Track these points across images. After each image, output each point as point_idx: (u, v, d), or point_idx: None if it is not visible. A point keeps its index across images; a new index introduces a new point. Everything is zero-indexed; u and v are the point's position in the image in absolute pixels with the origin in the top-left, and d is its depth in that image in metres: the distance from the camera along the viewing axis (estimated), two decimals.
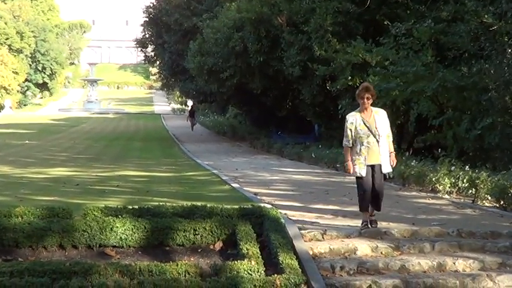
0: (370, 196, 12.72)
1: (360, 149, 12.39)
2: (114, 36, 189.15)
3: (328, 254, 12.20)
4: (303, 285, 10.43)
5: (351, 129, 12.48)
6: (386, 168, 12.67)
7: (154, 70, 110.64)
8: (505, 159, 22.93)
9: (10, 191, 19.59)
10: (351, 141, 12.54)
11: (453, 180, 20.04)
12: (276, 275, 10.51)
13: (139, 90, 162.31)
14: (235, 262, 10.86)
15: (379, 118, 12.55)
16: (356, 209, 16.32)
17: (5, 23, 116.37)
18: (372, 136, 12.30)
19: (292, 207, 16.14)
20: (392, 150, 12.84)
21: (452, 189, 19.86)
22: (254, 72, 40.41)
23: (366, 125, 12.34)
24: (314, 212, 15.68)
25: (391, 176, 13.66)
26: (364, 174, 12.41)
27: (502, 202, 17.64)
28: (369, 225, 13.01)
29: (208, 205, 13.50)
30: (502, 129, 23.62)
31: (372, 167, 12.43)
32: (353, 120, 12.52)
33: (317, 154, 33.31)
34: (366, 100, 12.43)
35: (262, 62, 38.92)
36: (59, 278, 10.16)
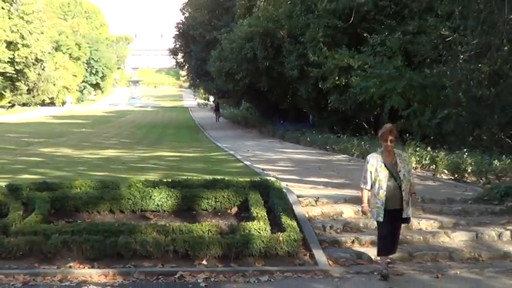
0: (391, 241, 9.72)
1: (379, 193, 9.34)
2: (152, 46, 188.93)
3: (320, 216, 12.23)
4: (300, 241, 10.48)
5: (371, 172, 9.44)
6: (407, 213, 9.52)
7: (183, 73, 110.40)
8: (458, 142, 22.93)
9: (71, 167, 19.65)
10: (369, 184, 9.45)
11: (418, 158, 20.05)
12: (279, 233, 10.56)
13: (172, 88, 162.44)
14: (248, 223, 10.92)
15: (402, 161, 9.54)
16: (342, 180, 16.37)
17: (66, 37, 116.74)
18: (393, 180, 9.33)
19: (292, 179, 16.12)
20: (414, 191, 9.76)
21: (417, 165, 19.85)
22: (262, 74, 40.30)
23: (387, 168, 9.36)
24: (309, 183, 15.68)
25: (409, 221, 10.02)
26: (381, 220, 9.37)
27: (456, 175, 17.72)
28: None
29: (226, 178, 13.51)
30: (456, 118, 23.69)
31: (391, 211, 9.36)
32: (374, 162, 9.48)
33: (311, 138, 33.25)
34: (389, 143, 9.43)
35: (268, 66, 38.84)
36: (110, 235, 10.25)
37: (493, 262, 10.39)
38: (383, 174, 9.35)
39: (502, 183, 14.91)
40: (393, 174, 9.35)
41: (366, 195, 9.57)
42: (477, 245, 11.11)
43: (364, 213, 9.84)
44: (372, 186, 9.47)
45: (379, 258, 9.95)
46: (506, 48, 22.24)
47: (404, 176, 9.40)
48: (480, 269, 10.00)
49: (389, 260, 9.91)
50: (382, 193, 9.31)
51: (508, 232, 11.55)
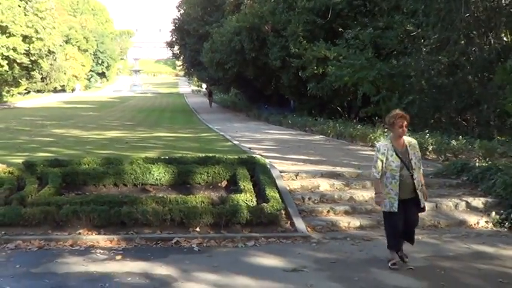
0: (400, 234, 8.19)
1: (391, 182, 7.90)
2: (151, 40, 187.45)
3: (299, 189, 12.26)
4: (282, 211, 10.52)
5: (382, 160, 7.96)
6: (423, 202, 8.11)
7: (179, 63, 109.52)
8: (421, 124, 22.97)
9: (80, 147, 19.57)
10: (380, 173, 7.99)
11: (386, 138, 20.05)
12: (264, 203, 10.61)
13: (169, 77, 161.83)
14: (236, 195, 10.95)
15: (412, 148, 8.08)
16: (319, 157, 16.39)
17: (76, 31, 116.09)
18: (406, 169, 7.88)
19: (275, 157, 16.13)
20: (423, 182, 8.23)
21: None
22: (248, 64, 40.18)
23: (399, 157, 7.91)
24: (290, 160, 15.70)
25: (425, 210, 8.34)
26: (396, 210, 7.87)
27: None
28: (401, 260, 8.25)
29: (217, 156, 13.54)
30: (419, 104, 23.78)
31: (404, 201, 7.93)
32: (385, 150, 8.00)
33: (292, 121, 33.27)
34: (404, 128, 7.95)
35: (254, 57, 38.73)
36: (114, 206, 10.26)
37: (450, 229, 10.49)
38: (395, 164, 7.88)
39: (458, 160, 15.00)
40: (405, 163, 7.90)
41: (379, 184, 8.07)
42: (436, 214, 11.20)
43: (378, 203, 8.20)
44: (382, 176, 8.00)
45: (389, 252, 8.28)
46: (462, 42, 22.40)
47: (415, 164, 7.98)
48: (439, 234, 10.08)
49: (404, 258, 8.25)
50: (395, 183, 7.86)
51: (464, 203, 11.65)
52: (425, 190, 8.26)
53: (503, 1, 21.03)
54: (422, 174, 8.22)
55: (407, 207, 7.94)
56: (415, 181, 7.91)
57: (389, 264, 8.05)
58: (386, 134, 17.47)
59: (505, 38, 20.87)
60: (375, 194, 8.25)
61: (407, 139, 8.16)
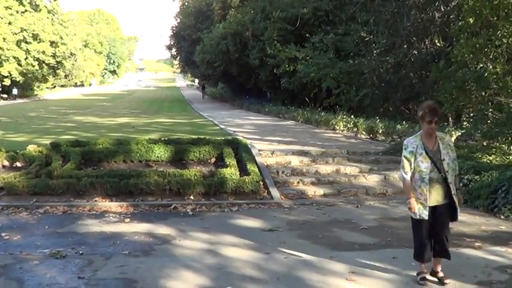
0: (429, 244, 5.57)
1: (420, 186, 5.45)
2: (153, 43, 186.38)
3: (275, 164, 12.22)
4: (261, 182, 10.47)
5: (409, 160, 5.50)
6: (458, 210, 5.51)
7: (176, 62, 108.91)
8: (372, 112, 23.06)
9: (95, 130, 19.40)
10: (409, 174, 5.50)
11: (344, 123, 20.11)
12: (245, 176, 10.56)
13: (168, 73, 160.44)
14: (223, 169, 10.88)
15: (445, 147, 5.51)
16: (290, 139, 16.35)
17: (92, 37, 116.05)
18: (437, 171, 5.41)
19: (254, 138, 16.05)
20: (459, 186, 5.69)
21: (344, 128, 19.92)
22: (233, 63, 39.94)
23: (429, 156, 5.43)
24: (267, 141, 15.64)
25: (457, 219, 5.57)
26: (426, 217, 5.43)
27: (371, 135, 17.86)
28: (439, 281, 5.55)
29: (207, 137, 13.44)
30: (371, 96, 23.90)
31: (434, 208, 5.46)
32: (413, 148, 5.51)
33: (268, 109, 33.16)
34: (434, 125, 5.41)
35: (237, 57, 38.50)
36: (123, 178, 10.18)
37: (396, 196, 10.50)
38: (424, 165, 5.44)
39: (403, 141, 15.02)
40: (436, 164, 5.44)
41: (409, 188, 5.56)
42: (385, 184, 11.24)
43: (411, 209, 5.52)
44: (411, 178, 5.54)
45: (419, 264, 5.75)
46: (405, 46, 22.50)
47: (448, 165, 5.46)
48: (387, 200, 10.13)
49: (435, 266, 5.69)
50: (425, 186, 5.43)
51: None
52: (461, 196, 5.71)
53: (436, 14, 21.18)
54: (457, 178, 5.64)
55: (437, 215, 5.52)
56: (450, 185, 5.47)
57: (418, 279, 5.63)
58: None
59: (438, 43, 20.99)
60: (407, 200, 5.61)
61: (440, 135, 5.68)
